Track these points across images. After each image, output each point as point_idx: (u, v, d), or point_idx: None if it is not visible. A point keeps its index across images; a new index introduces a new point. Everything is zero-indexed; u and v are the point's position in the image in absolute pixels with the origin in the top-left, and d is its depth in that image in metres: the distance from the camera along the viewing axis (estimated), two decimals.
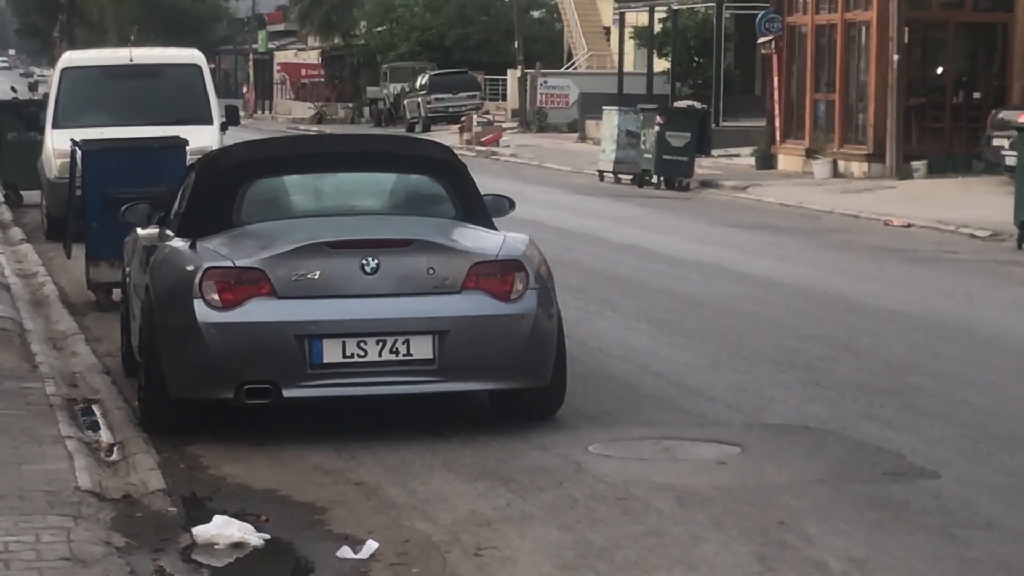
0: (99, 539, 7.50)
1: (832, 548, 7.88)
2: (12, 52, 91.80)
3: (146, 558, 7.41)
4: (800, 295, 18.76)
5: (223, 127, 23.70)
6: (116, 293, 15.38)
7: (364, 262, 10.48)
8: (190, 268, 10.63)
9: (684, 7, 53.13)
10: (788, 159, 39.46)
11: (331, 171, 12.78)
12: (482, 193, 12.25)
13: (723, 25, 49.67)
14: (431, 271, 10.60)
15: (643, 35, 56.65)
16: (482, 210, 11.94)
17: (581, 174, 40.56)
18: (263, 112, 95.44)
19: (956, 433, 10.80)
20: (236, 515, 8.35)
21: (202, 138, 19.62)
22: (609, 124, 38.97)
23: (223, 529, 8.00)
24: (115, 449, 9.75)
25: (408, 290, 10.60)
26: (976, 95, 36.88)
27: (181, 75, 24.33)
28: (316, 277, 10.52)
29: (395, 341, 10.41)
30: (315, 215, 11.74)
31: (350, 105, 71.52)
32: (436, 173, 12.28)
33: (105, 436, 10.11)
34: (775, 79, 40.49)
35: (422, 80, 64.37)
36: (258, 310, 10.39)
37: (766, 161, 40.23)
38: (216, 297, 10.39)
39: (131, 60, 25.50)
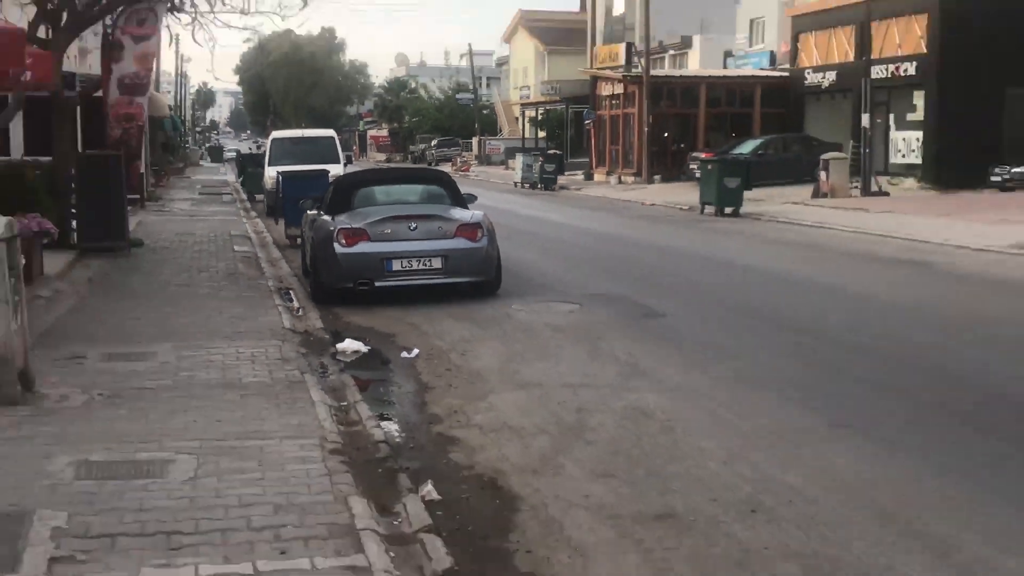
0: (293, 350, 7.61)
1: (623, 350, 7.92)
2: (248, 132, 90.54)
3: (315, 358, 7.52)
4: (605, 238, 17.91)
5: (345, 165, 23.39)
6: (297, 240, 14.90)
7: (410, 225, 10.44)
8: (332, 228, 10.56)
9: (552, 109, 51.01)
10: (599, 176, 37.52)
11: (394, 184, 12.53)
12: (461, 192, 11.95)
13: (568, 115, 47.61)
14: (440, 228, 10.53)
15: (533, 120, 54.39)
16: (462, 200, 11.66)
17: (507, 184, 39.92)
18: (363, 158, 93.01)
19: (681, 299, 10.56)
20: (355, 338, 8.46)
21: (335, 170, 19.64)
22: (518, 161, 37.42)
23: (349, 345, 8.14)
24: (300, 310, 9.84)
25: (430, 237, 10.39)
26: (682, 145, 35.01)
27: (325, 141, 23.70)
28: (388, 232, 10.41)
29: (425, 260, 10.28)
30: (387, 204, 11.35)
31: (401, 154, 71.18)
32: (441, 183, 12.04)
33: (296, 304, 10.21)
34: (593, 140, 38.73)
35: (434, 142, 63.80)
36: (363, 247, 10.31)
37: (589, 177, 38.37)
38: (344, 241, 10.31)
39: (303, 135, 25.13)
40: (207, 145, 71.97)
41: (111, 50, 14.45)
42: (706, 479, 4.97)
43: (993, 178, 24.24)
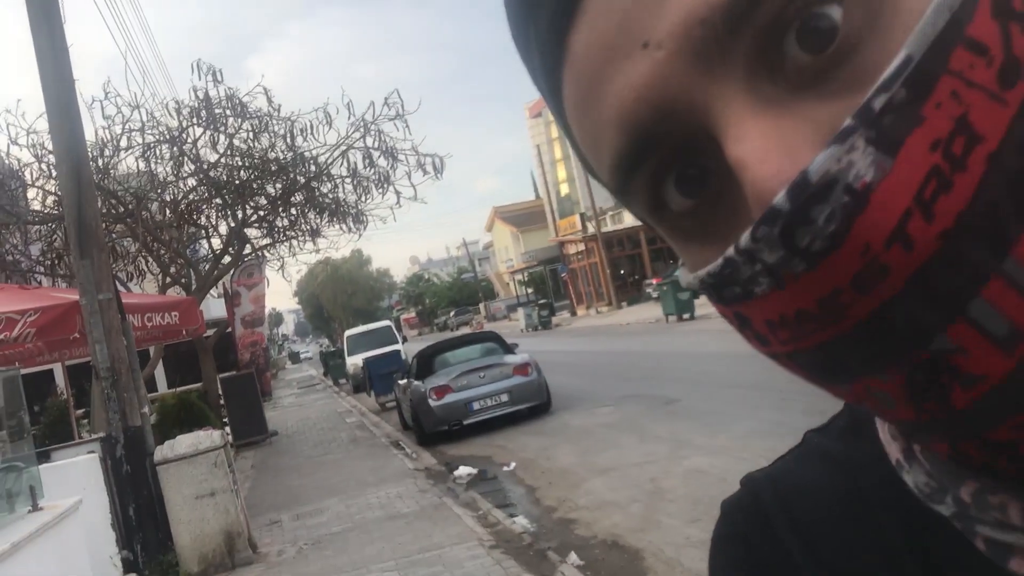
0: (424, 483, 9.20)
1: (662, 430, 9.21)
2: (310, 338, 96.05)
3: (442, 485, 9.01)
4: (608, 352, 20.16)
5: (403, 343, 26.39)
6: (387, 405, 17.50)
7: (479, 375, 12.36)
8: (423, 389, 12.37)
9: (533, 271, 56.79)
10: (580, 311, 42.85)
11: (458, 348, 14.04)
12: (508, 342, 14.02)
13: (546, 273, 54.03)
14: (501, 371, 12.42)
15: (520, 282, 59.65)
16: (510, 348, 13.69)
17: (515, 331, 38.60)
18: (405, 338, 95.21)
19: (684, 385, 11.69)
20: (464, 465, 9.87)
21: (398, 348, 22.83)
22: (520, 313, 42.08)
23: (463, 471, 9.45)
24: (414, 454, 11.44)
25: (495, 380, 12.32)
26: (636, 276, 40.79)
27: (384, 330, 26.89)
28: (465, 383, 12.26)
29: (495, 397, 12.19)
30: (458, 363, 13.08)
31: (428, 327, 74.98)
32: (492, 340, 14.15)
33: (409, 450, 11.91)
34: (570, 286, 45.28)
35: (452, 313, 66.84)
36: (449, 398, 12.16)
37: (573, 314, 43.22)
38: (435, 396, 12.16)
39: (368, 329, 27.80)
40: (286, 352, 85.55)
41: (232, 298, 17.81)
42: None
43: None
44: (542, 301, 43.42)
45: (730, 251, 0.35)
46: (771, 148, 0.34)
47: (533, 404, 12.33)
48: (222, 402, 15.30)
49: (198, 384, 15.52)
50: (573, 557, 6.04)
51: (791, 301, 0.34)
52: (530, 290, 57.75)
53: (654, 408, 10.95)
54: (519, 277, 61.09)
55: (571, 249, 44.45)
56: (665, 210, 0.40)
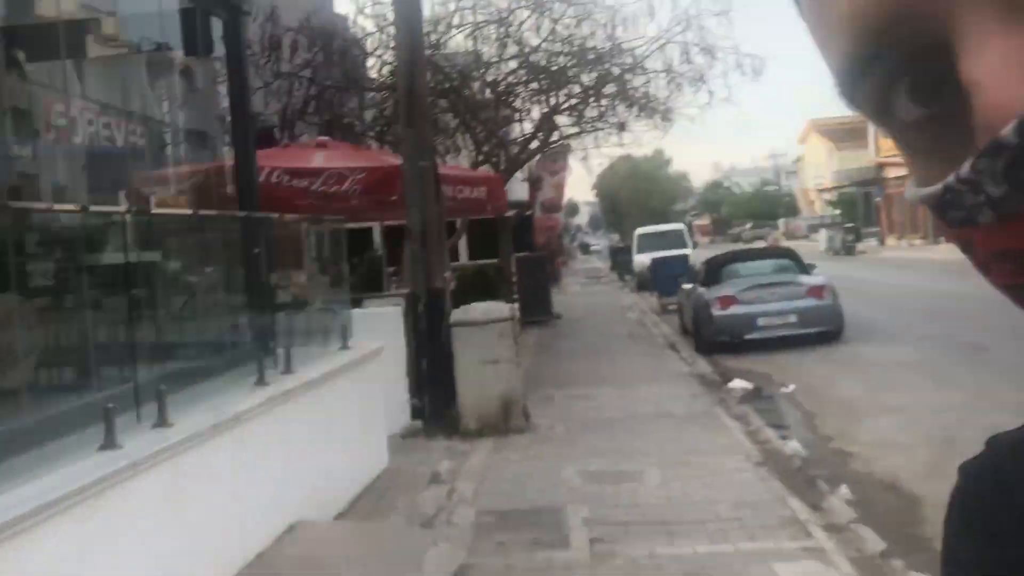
0: (696, 388, 9.25)
1: (962, 379, 8.61)
2: (602, 231, 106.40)
3: (715, 393, 9.02)
4: (913, 289, 18.97)
5: (693, 248, 26.19)
6: (667, 308, 17.66)
7: (770, 291, 12.11)
8: (708, 297, 12.30)
9: (844, 192, 54.26)
10: (890, 242, 41.15)
11: (752, 261, 13.95)
12: (804, 262, 13.52)
13: (859, 196, 50.92)
14: (793, 291, 12.16)
15: (828, 203, 57.60)
16: (806, 269, 13.26)
17: (812, 252, 33.88)
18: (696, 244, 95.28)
19: (999, 335, 10.30)
20: (740, 378, 9.80)
21: (687, 253, 22.67)
22: (822, 234, 41.23)
23: (738, 384, 9.43)
24: (688, 360, 11.52)
25: (786, 298, 12.06)
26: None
27: (676, 233, 27.35)
28: (753, 297, 11.99)
29: (783, 316, 11.94)
30: (748, 276, 12.89)
31: (721, 236, 74.00)
32: (788, 257, 13.72)
33: (683, 355, 11.95)
34: (883, 213, 43.58)
35: (748, 225, 66.64)
36: (734, 310, 11.98)
37: (880, 243, 41.86)
38: (720, 306, 12.05)
39: (660, 230, 28.42)
40: (577, 243, 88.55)
41: (535, 182, 18.61)
42: None
43: None
44: (849, 224, 41.30)
45: (951, 178, 0.32)
46: (1011, 72, 0.30)
47: (823, 329, 11.84)
48: (514, 279, 16.03)
49: (495, 260, 16.39)
50: (844, 490, 5.84)
51: (1016, 239, 0.31)
52: (837, 212, 55.07)
53: (958, 354, 10.30)
54: (827, 196, 58.39)
55: (892, 173, 41.12)
56: (893, 119, 0.36)
